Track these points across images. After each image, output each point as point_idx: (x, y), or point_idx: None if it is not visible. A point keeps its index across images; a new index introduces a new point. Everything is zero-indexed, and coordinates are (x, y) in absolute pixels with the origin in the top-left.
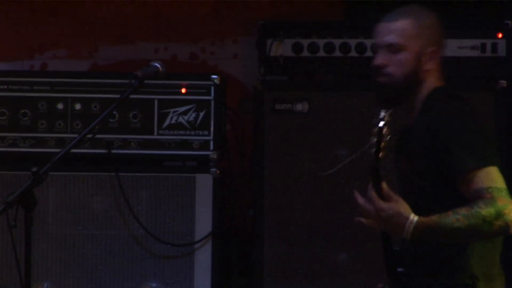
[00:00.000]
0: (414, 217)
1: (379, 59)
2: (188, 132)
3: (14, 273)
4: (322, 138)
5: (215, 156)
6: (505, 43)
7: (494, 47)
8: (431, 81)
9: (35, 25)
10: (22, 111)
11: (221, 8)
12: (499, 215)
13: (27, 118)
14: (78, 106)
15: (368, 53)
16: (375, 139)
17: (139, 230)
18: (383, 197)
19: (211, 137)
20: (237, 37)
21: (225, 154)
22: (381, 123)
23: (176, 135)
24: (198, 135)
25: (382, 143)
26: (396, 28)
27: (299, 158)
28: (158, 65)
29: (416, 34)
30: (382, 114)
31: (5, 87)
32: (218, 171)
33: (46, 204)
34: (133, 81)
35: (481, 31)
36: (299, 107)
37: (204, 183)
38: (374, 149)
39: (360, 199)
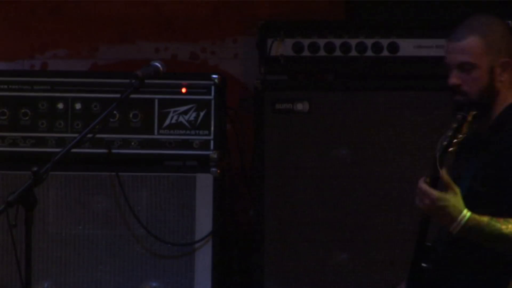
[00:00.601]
0: (467, 212)
1: (453, 79)
2: (188, 132)
3: (15, 272)
4: (322, 137)
5: (215, 156)
6: None
7: None
8: (506, 93)
9: (36, 25)
10: (23, 110)
11: (222, 7)
12: None
13: (27, 118)
14: (78, 106)
15: (369, 53)
16: (450, 133)
17: (140, 230)
18: (437, 185)
19: (211, 137)
20: (237, 37)
21: (226, 154)
22: (462, 120)
23: (176, 134)
24: (199, 134)
25: (456, 139)
26: (465, 47)
27: (299, 157)
28: (159, 65)
29: (485, 49)
30: (465, 112)
31: (6, 86)
32: (218, 171)
33: (47, 203)
34: (133, 80)
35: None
36: (299, 106)
37: (204, 183)
38: (446, 143)
39: (421, 185)
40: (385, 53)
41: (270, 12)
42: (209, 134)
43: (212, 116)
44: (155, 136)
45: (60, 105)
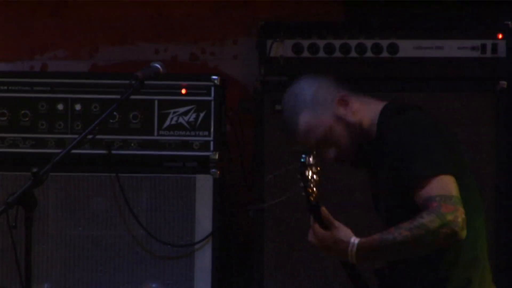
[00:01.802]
0: (355, 240)
1: (327, 157)
2: (188, 133)
3: (14, 273)
4: None
5: (215, 157)
6: (505, 44)
7: (494, 47)
8: (361, 114)
9: (35, 26)
10: (22, 111)
11: (221, 8)
12: (444, 223)
13: (27, 119)
14: (78, 107)
15: (369, 54)
16: (301, 185)
17: (139, 231)
18: (326, 226)
19: (211, 138)
20: (237, 38)
21: (225, 155)
22: (303, 168)
23: (176, 135)
24: (198, 135)
25: (309, 188)
26: (304, 131)
27: (299, 158)
28: (158, 66)
29: (316, 115)
30: (304, 158)
31: (5, 87)
32: (218, 172)
33: (46, 204)
34: (133, 81)
35: (481, 31)
36: None
37: (204, 184)
38: (304, 194)
39: (309, 235)
40: (385, 54)
41: (270, 13)
42: (209, 135)
43: (212, 117)
44: (155, 137)
45: (60, 106)
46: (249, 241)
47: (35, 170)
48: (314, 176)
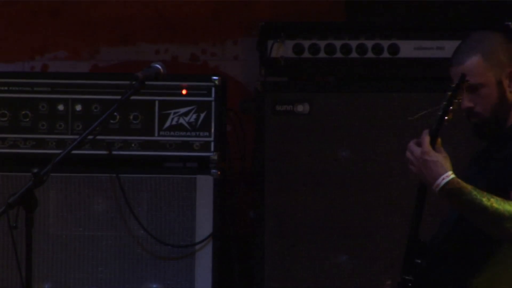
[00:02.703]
0: (451, 174)
1: (464, 103)
2: (188, 133)
3: (15, 274)
4: (323, 139)
5: (215, 157)
6: None
7: None
8: None
9: (36, 27)
10: (23, 112)
11: (222, 9)
12: None
13: (27, 119)
14: (78, 107)
15: (369, 54)
16: (444, 103)
17: (140, 231)
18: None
19: (211, 138)
20: (237, 38)
21: (226, 155)
22: (456, 92)
23: (176, 136)
24: (199, 136)
25: (451, 107)
26: (467, 70)
27: (300, 159)
28: (159, 66)
29: (487, 66)
30: (461, 79)
31: (6, 88)
32: (218, 172)
33: (47, 205)
34: (134, 82)
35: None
36: (300, 108)
37: (204, 184)
38: (440, 113)
39: (411, 146)
40: (386, 54)
41: (271, 13)
42: (209, 136)
43: (213, 118)
44: (156, 138)
45: (61, 107)
46: (250, 241)
47: (35, 170)
48: (455, 105)
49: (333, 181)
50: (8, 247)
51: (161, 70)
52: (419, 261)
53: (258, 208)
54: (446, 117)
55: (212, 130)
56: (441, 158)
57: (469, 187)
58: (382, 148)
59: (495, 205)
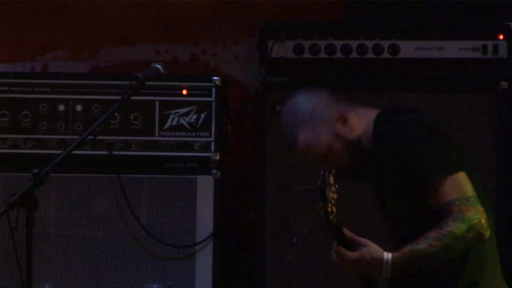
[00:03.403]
0: (388, 256)
1: (330, 179)
2: (189, 134)
3: (15, 274)
4: None
5: (216, 158)
6: (507, 45)
7: (495, 48)
8: (362, 127)
9: (36, 27)
10: (23, 112)
11: (222, 9)
12: (470, 227)
13: (28, 120)
14: (79, 108)
15: (370, 55)
16: (321, 204)
17: (140, 232)
18: (349, 246)
19: (212, 139)
20: (238, 39)
21: (226, 156)
22: (323, 188)
23: (177, 136)
24: (199, 136)
25: (328, 208)
26: (301, 150)
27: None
28: (159, 67)
29: (315, 133)
30: (322, 175)
31: (6, 88)
32: (219, 173)
33: (47, 205)
34: (134, 82)
35: (482, 32)
36: None
37: (205, 185)
38: (323, 213)
39: (333, 256)
40: (386, 55)
41: (271, 14)
42: (210, 136)
43: (213, 118)
44: (156, 138)
45: (61, 107)
46: (250, 241)
47: (36, 171)
48: (334, 196)
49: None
50: (8, 247)
51: (162, 70)
52: None
53: (259, 208)
54: (331, 217)
55: (213, 130)
56: (366, 254)
57: (407, 250)
58: None
59: (439, 243)
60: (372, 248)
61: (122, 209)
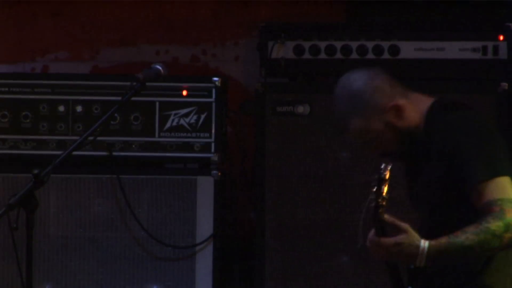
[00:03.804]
0: (425, 244)
1: (373, 152)
2: (189, 134)
3: (16, 275)
4: (323, 140)
5: (216, 158)
6: (507, 46)
7: (496, 49)
8: (415, 115)
9: (37, 28)
10: (24, 113)
11: (222, 10)
12: (508, 227)
13: (28, 121)
14: (79, 109)
15: (370, 55)
16: (373, 197)
17: (140, 232)
18: (386, 232)
19: (212, 139)
20: (238, 40)
21: (227, 156)
22: (380, 180)
23: (177, 137)
24: (199, 137)
25: (380, 202)
26: (351, 134)
27: (300, 160)
28: (160, 68)
29: (368, 122)
30: (382, 169)
31: (7, 89)
32: (219, 173)
33: (47, 206)
34: (134, 83)
35: (482, 33)
36: (300, 109)
37: (205, 186)
38: (374, 205)
39: (368, 242)
40: (386, 55)
41: (271, 14)
42: (210, 137)
43: (213, 119)
44: (156, 139)
45: (61, 108)
46: (250, 242)
47: (36, 171)
48: (387, 191)
49: (333, 182)
50: (8, 248)
51: (162, 71)
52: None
53: (259, 209)
54: (380, 210)
55: (213, 131)
56: (405, 240)
57: (444, 241)
58: None
59: (476, 238)
60: (411, 235)
61: (122, 209)
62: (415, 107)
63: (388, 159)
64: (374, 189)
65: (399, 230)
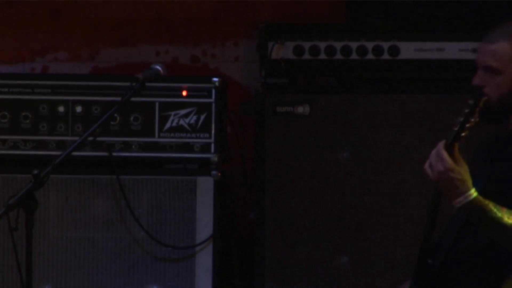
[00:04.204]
0: (475, 192)
1: (477, 80)
2: (189, 135)
3: (15, 275)
4: (323, 141)
5: (216, 159)
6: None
7: None
8: None
9: (36, 28)
10: (23, 113)
11: (222, 10)
12: None
13: (28, 121)
14: (79, 109)
15: (370, 56)
16: (462, 119)
17: (140, 233)
18: (454, 158)
19: (212, 140)
20: (238, 40)
21: (226, 157)
22: (474, 106)
23: (177, 137)
24: (199, 137)
25: (468, 124)
26: (494, 51)
27: (300, 160)
28: (159, 68)
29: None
30: (476, 98)
31: (6, 89)
32: (219, 174)
33: (47, 206)
34: (134, 83)
35: (482, 33)
36: (300, 109)
37: (205, 186)
38: (457, 128)
39: (440, 149)
40: (386, 56)
41: (271, 15)
42: (209, 137)
43: (213, 119)
44: (156, 139)
45: (61, 108)
46: (250, 243)
47: (35, 172)
48: (472, 121)
49: (333, 182)
50: (8, 248)
51: (161, 71)
52: (430, 261)
53: (258, 209)
54: (463, 134)
55: (213, 131)
56: (463, 175)
57: (490, 204)
58: (382, 150)
59: None
60: (467, 175)
61: (122, 210)
62: None
63: (482, 118)
64: (466, 111)
65: (461, 164)
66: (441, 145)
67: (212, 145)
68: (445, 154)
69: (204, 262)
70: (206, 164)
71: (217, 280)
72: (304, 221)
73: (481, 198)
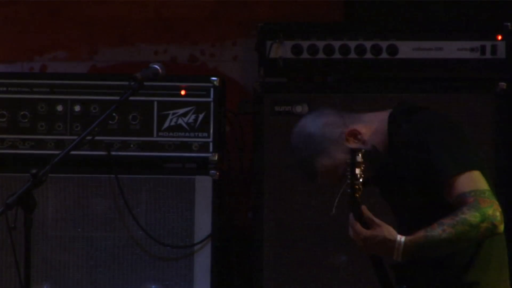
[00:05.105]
0: (401, 239)
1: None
2: (187, 134)
3: (14, 274)
4: None
5: (214, 158)
6: (505, 45)
7: (494, 49)
8: (375, 134)
9: (35, 27)
10: (22, 113)
11: (221, 10)
12: (484, 217)
13: (26, 120)
14: (77, 108)
15: (368, 55)
16: (349, 181)
17: (139, 232)
18: (366, 224)
19: (210, 139)
20: (236, 39)
21: (225, 156)
22: (354, 166)
23: (175, 137)
24: (198, 137)
25: (356, 185)
26: (323, 175)
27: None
28: (158, 67)
29: (332, 157)
30: (354, 153)
31: (5, 89)
32: (217, 173)
33: (46, 206)
34: (132, 83)
35: (480, 33)
36: (298, 109)
37: (203, 185)
38: (350, 190)
39: (350, 232)
40: (384, 55)
41: (270, 14)
42: (208, 137)
43: (211, 119)
44: (154, 138)
45: (59, 107)
46: (249, 242)
47: (34, 171)
48: (362, 174)
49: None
50: (7, 247)
51: (160, 70)
52: (404, 286)
53: (257, 209)
54: (356, 194)
55: (211, 131)
56: (379, 234)
57: (421, 235)
58: None
59: (452, 230)
60: (386, 229)
61: (120, 209)
62: (373, 124)
63: (372, 184)
64: (349, 173)
65: (374, 224)
66: (351, 218)
67: (211, 144)
68: (357, 226)
69: (202, 261)
70: (205, 163)
71: (216, 279)
72: (302, 220)
73: (410, 237)
